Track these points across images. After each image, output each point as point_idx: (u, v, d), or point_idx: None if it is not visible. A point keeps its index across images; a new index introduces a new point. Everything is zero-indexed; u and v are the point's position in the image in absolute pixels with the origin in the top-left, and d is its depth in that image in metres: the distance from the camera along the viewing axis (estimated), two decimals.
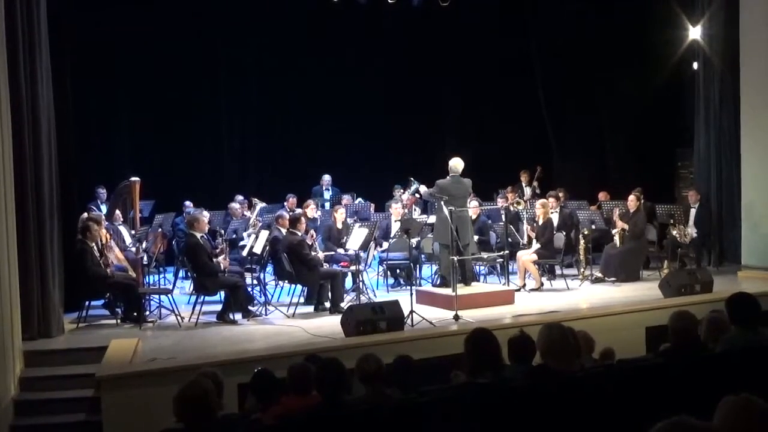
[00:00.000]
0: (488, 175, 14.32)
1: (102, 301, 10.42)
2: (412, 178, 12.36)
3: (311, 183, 15.01)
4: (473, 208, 11.43)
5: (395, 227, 12.28)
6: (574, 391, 4.65)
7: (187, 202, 13.25)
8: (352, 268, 11.11)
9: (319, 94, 15.90)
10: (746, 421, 2.92)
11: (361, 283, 10.89)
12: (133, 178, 10.97)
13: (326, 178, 15.04)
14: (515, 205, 13.14)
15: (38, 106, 9.07)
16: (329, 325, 9.37)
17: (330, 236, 11.93)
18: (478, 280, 11.75)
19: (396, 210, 12.67)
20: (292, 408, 4.83)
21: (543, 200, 12.33)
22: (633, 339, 8.97)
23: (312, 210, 12.88)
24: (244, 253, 11.23)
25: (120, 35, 13.69)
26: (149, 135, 14.46)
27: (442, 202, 10.41)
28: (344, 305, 10.15)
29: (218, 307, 10.13)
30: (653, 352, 6.40)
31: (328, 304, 10.46)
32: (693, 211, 13.05)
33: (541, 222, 11.83)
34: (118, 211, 11.47)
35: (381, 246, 12.31)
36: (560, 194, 13.40)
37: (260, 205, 13.60)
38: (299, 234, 10.66)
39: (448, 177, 10.88)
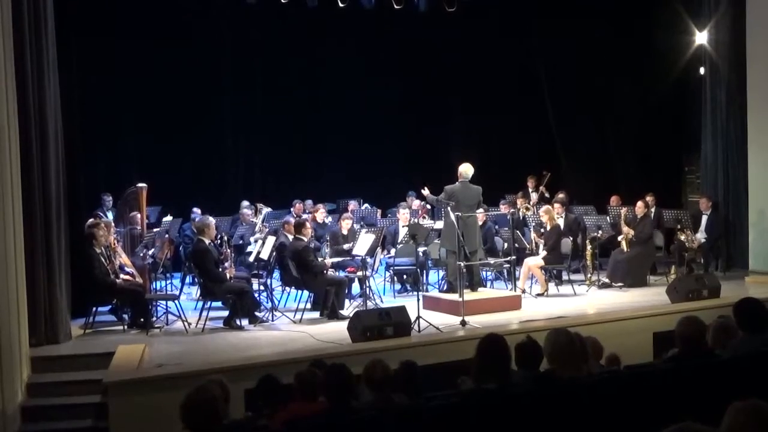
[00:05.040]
0: (494, 181, 14.30)
1: (109, 307, 10.44)
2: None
3: (316, 188, 15.01)
4: (480, 214, 11.42)
5: (403, 232, 12.28)
6: (581, 397, 4.64)
7: (195, 209, 13.28)
8: (359, 273, 11.12)
9: (324, 99, 15.97)
10: (754, 427, 2.91)
11: (367, 289, 10.89)
12: (140, 185, 10.98)
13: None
14: (524, 210, 13.15)
15: (45, 114, 9.09)
16: (336, 330, 9.36)
17: (336, 242, 11.92)
18: (485, 286, 11.74)
19: (404, 215, 12.67)
20: (299, 414, 4.84)
21: (547, 206, 12.36)
22: (640, 344, 8.95)
23: (321, 215, 12.90)
24: (251, 258, 11.24)
25: (125, 41, 13.72)
26: (155, 141, 14.47)
27: (449, 208, 10.41)
28: (350, 311, 10.16)
29: (225, 313, 10.12)
30: (660, 357, 6.39)
31: None
32: (704, 218, 13.03)
33: (548, 228, 11.82)
34: (136, 214, 11.41)
35: (389, 251, 12.32)
36: (561, 196, 13.43)
37: (266, 210, 13.61)
38: (305, 240, 10.68)
39: (457, 182, 10.89)
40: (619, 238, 12.25)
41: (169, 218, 12.73)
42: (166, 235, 11.82)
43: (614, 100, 15.57)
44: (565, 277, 12.24)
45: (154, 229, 11.78)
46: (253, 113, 15.70)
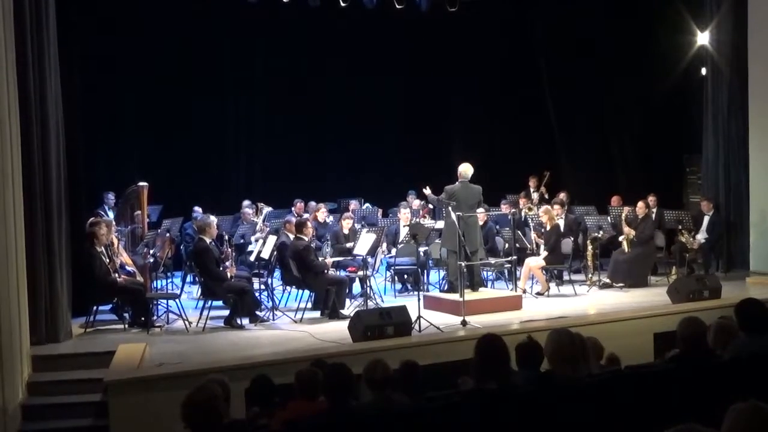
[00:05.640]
0: (495, 181, 14.27)
1: (110, 306, 10.44)
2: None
3: (317, 187, 15.01)
4: (481, 214, 11.42)
5: (404, 232, 12.28)
6: (582, 397, 4.64)
7: (196, 208, 13.28)
8: (360, 273, 11.11)
9: (326, 99, 15.93)
10: (755, 428, 2.91)
11: (368, 289, 10.89)
12: (141, 183, 10.99)
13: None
14: (527, 210, 13.15)
15: (47, 111, 9.09)
16: (337, 330, 9.36)
17: (339, 242, 11.92)
18: (486, 286, 11.74)
19: (405, 215, 12.67)
20: (299, 413, 4.84)
21: (546, 207, 12.37)
22: (641, 345, 8.95)
23: (322, 214, 12.89)
24: (252, 258, 11.24)
25: (125, 40, 13.72)
26: (156, 140, 14.48)
27: (450, 208, 10.41)
28: (351, 310, 10.16)
29: (226, 312, 10.13)
30: (661, 358, 6.38)
31: None
32: (706, 219, 13.00)
33: (548, 228, 11.82)
34: (139, 212, 11.39)
35: (389, 251, 12.31)
36: (562, 196, 13.43)
37: (267, 209, 13.61)
38: (305, 239, 10.68)
39: (457, 182, 10.89)
40: (620, 239, 12.24)
41: (168, 221, 12.72)
42: (167, 234, 11.82)
43: (615, 100, 15.56)
44: (565, 277, 12.25)
45: (158, 229, 11.79)
46: (254, 113, 15.69)
